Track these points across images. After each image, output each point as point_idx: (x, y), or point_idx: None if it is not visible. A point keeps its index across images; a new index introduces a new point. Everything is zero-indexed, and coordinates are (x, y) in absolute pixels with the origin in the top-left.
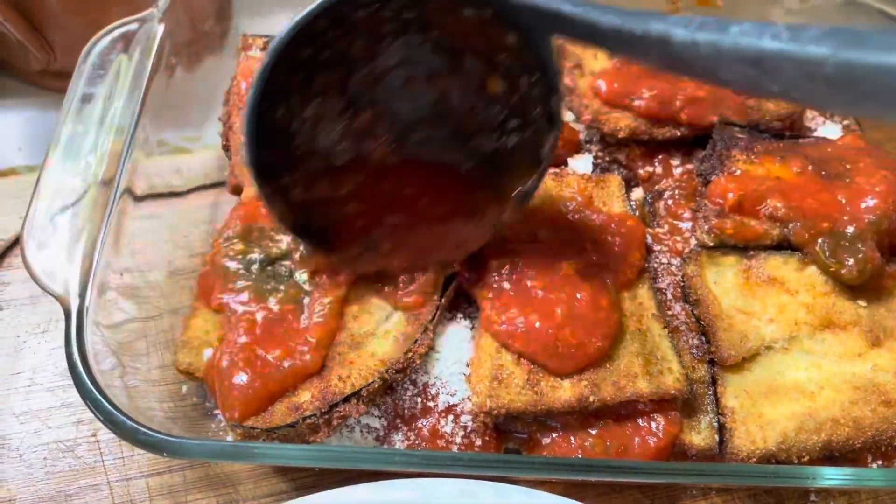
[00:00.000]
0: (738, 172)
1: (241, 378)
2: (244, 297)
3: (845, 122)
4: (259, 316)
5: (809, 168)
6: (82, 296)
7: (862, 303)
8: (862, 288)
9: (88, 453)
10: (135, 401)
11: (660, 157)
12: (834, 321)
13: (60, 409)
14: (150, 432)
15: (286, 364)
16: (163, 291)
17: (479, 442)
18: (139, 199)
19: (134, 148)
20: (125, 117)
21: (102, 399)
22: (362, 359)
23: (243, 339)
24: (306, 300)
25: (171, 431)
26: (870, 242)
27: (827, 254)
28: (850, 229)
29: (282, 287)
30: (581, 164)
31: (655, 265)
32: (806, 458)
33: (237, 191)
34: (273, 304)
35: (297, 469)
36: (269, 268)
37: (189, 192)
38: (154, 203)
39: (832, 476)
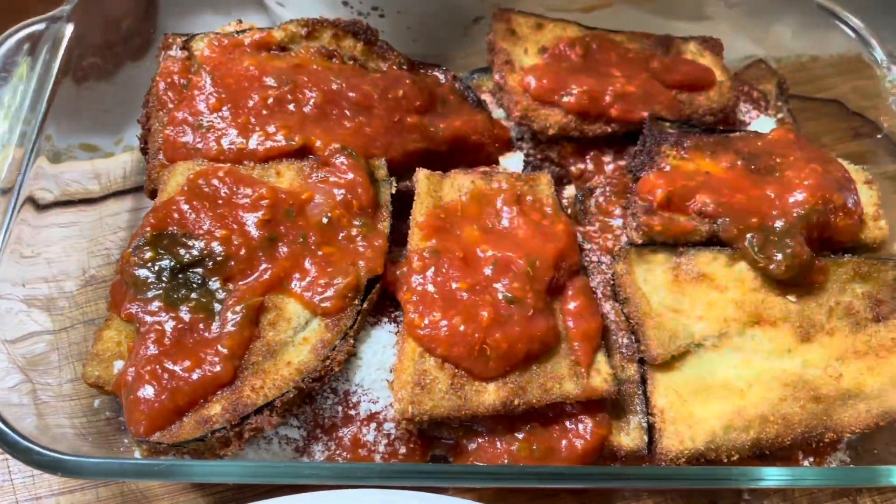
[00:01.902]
0: (668, 168)
1: (147, 391)
2: (153, 306)
3: (779, 116)
4: (168, 326)
5: (739, 163)
6: None
7: (792, 298)
8: (792, 283)
9: None
10: (44, 418)
11: (592, 153)
12: (764, 317)
13: None
14: (45, 451)
15: (195, 376)
16: (76, 301)
17: (403, 449)
18: (45, 206)
19: (37, 155)
20: (28, 123)
21: None
22: (277, 368)
23: (151, 351)
24: (219, 308)
25: (81, 449)
26: (798, 237)
27: (756, 249)
28: (778, 224)
29: (193, 295)
30: (513, 162)
31: (586, 263)
32: (736, 457)
33: (155, 195)
34: (184, 312)
35: (216, 483)
36: (180, 275)
37: (106, 197)
38: (69, 210)
39: (769, 476)
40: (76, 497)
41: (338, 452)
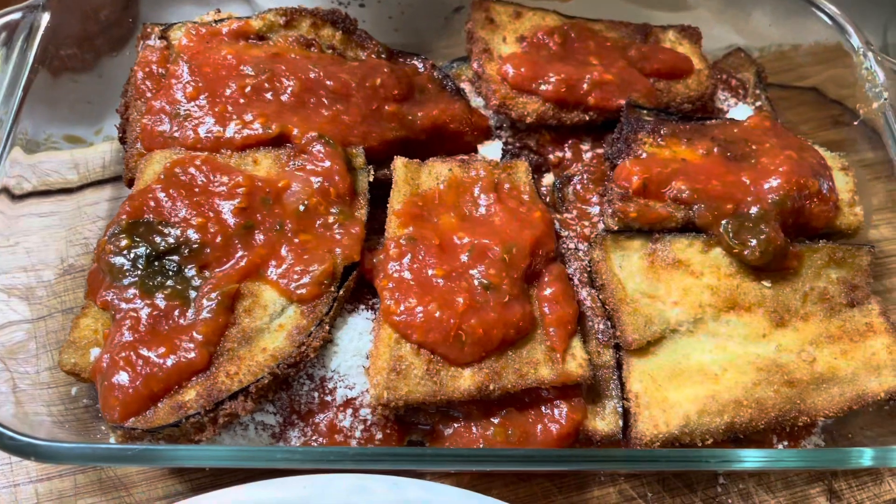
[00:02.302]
0: (644, 155)
1: (122, 378)
2: (129, 293)
3: (757, 104)
4: (144, 313)
5: (715, 150)
6: None
7: (766, 283)
8: (766, 269)
9: None
10: (22, 406)
11: (570, 141)
12: (738, 302)
13: None
14: (16, 436)
15: (169, 362)
16: (54, 290)
17: (380, 435)
18: (22, 196)
19: (12, 145)
20: (2, 113)
21: None
22: (252, 354)
23: (126, 338)
24: (195, 295)
25: (58, 436)
26: (773, 223)
27: (731, 235)
28: (753, 210)
29: (169, 282)
30: (492, 150)
31: (563, 250)
32: (710, 441)
33: (133, 184)
34: (159, 299)
35: (193, 470)
36: (156, 263)
37: (84, 186)
38: (47, 200)
39: (742, 458)
40: (54, 484)
41: (314, 438)
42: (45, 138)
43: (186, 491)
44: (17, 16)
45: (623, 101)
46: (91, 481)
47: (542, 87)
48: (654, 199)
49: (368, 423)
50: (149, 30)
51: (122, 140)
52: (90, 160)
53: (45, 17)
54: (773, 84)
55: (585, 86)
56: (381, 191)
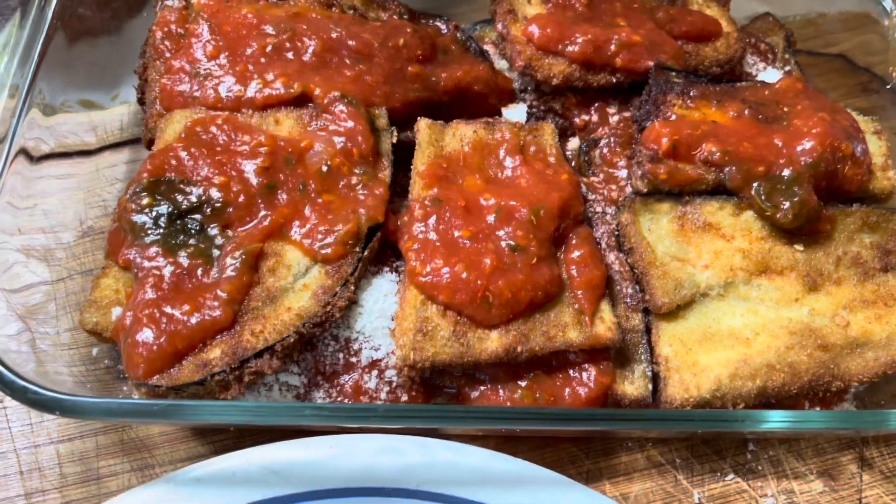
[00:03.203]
0: (674, 117)
1: (146, 335)
2: (151, 251)
3: (787, 69)
4: (167, 271)
5: (746, 112)
6: None
7: (799, 247)
8: (799, 232)
9: None
10: (43, 366)
11: (596, 104)
12: (770, 266)
13: None
14: (41, 391)
15: (194, 319)
16: (74, 252)
17: (405, 397)
18: (40, 158)
19: (30, 106)
20: (20, 73)
21: None
22: (277, 313)
23: (149, 296)
24: (218, 254)
25: (75, 394)
26: (806, 186)
27: (763, 197)
28: (786, 172)
29: (192, 241)
30: (516, 113)
31: (590, 214)
32: (741, 405)
33: (153, 144)
34: (182, 258)
35: (216, 431)
36: (178, 221)
37: (103, 149)
38: (66, 162)
39: (772, 419)
40: (75, 445)
41: (339, 399)
42: (61, 103)
43: (208, 453)
44: None
45: (651, 63)
46: (112, 442)
47: (569, 48)
48: (683, 161)
49: (394, 384)
50: None
51: (141, 101)
52: (108, 122)
53: None
54: (800, 51)
55: (613, 47)
56: (403, 153)
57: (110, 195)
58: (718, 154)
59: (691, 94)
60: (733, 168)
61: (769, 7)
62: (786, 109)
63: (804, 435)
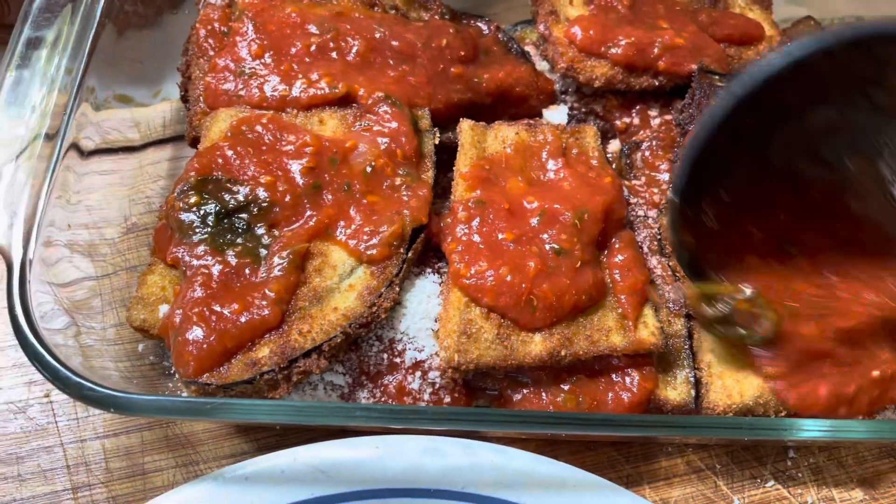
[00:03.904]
0: None
1: (196, 333)
2: (199, 250)
3: None
4: (215, 270)
5: None
6: (25, 248)
7: None
8: None
9: (41, 414)
10: (90, 360)
11: (637, 107)
12: None
13: (12, 370)
14: (97, 387)
15: (243, 318)
16: (118, 248)
17: (447, 399)
18: (89, 153)
19: (81, 101)
20: (71, 68)
21: (45, 353)
22: (324, 313)
23: (198, 294)
24: (265, 253)
25: (126, 391)
26: None
27: None
28: None
29: (239, 240)
30: (557, 115)
31: (632, 218)
32: (783, 413)
33: (196, 143)
34: (230, 257)
35: (259, 429)
36: (225, 220)
37: (147, 146)
38: (109, 157)
39: (811, 428)
40: (121, 440)
41: (383, 399)
42: (105, 99)
43: (252, 450)
44: None
45: (694, 67)
46: (157, 438)
47: (612, 51)
48: None
49: (437, 386)
50: None
51: (184, 99)
52: (151, 119)
53: None
54: None
55: (656, 50)
56: (445, 154)
57: (153, 192)
58: None
59: None
60: None
61: (809, 10)
62: None
63: (845, 443)
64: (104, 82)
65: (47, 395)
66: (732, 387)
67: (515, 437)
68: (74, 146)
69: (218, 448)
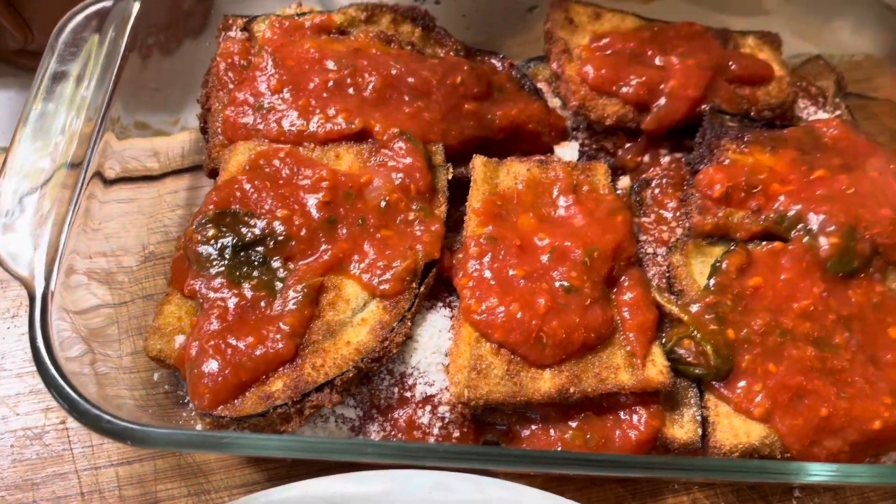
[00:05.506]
0: (727, 162)
1: (211, 366)
2: (216, 283)
3: (837, 113)
4: (231, 302)
5: (801, 158)
6: (48, 279)
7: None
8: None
9: (57, 441)
10: (104, 388)
11: (648, 145)
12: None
13: (29, 396)
14: (114, 420)
15: (258, 352)
16: (136, 276)
17: (456, 433)
18: (111, 182)
19: (105, 130)
20: (96, 98)
21: (66, 385)
22: (337, 347)
23: (214, 326)
24: (280, 286)
25: (141, 420)
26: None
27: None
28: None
29: (255, 273)
30: (568, 151)
31: (641, 255)
32: (790, 454)
33: (214, 174)
34: (246, 290)
35: (270, 459)
36: (242, 253)
37: (165, 175)
38: (128, 186)
39: (817, 472)
40: (134, 468)
41: (393, 433)
42: (126, 128)
43: (263, 480)
44: (108, 3)
45: (705, 106)
46: (170, 466)
47: (623, 90)
48: (736, 207)
49: (446, 420)
50: (230, 21)
51: (204, 130)
52: (170, 149)
53: (136, 6)
54: (850, 94)
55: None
56: (457, 189)
57: (171, 221)
58: (773, 201)
59: (745, 138)
60: (789, 215)
61: (817, 46)
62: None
63: (850, 485)
64: (128, 110)
65: (63, 422)
66: (739, 426)
67: (523, 473)
68: (98, 174)
69: (230, 478)
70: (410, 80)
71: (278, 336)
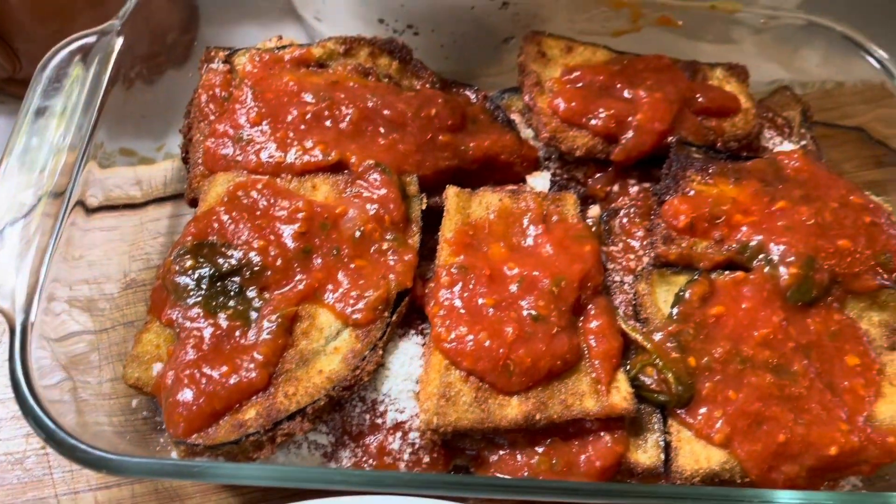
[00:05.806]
0: (692, 193)
1: (186, 395)
2: (193, 312)
3: (802, 143)
4: (207, 332)
5: (763, 189)
6: (27, 311)
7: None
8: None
9: (37, 466)
10: (83, 415)
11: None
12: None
13: (11, 421)
14: (90, 449)
15: (232, 381)
16: (117, 303)
17: (427, 458)
18: (93, 210)
19: (88, 159)
20: (80, 128)
21: (43, 415)
22: (309, 376)
23: (190, 356)
24: (255, 316)
25: (119, 446)
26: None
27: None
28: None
29: (231, 303)
30: (540, 181)
31: (608, 283)
32: (748, 480)
33: (195, 203)
34: (221, 319)
35: (245, 485)
36: (218, 284)
37: (148, 203)
38: (111, 214)
39: (781, 499)
40: (112, 493)
41: (364, 459)
42: (110, 156)
43: None
44: (91, 39)
45: (672, 138)
46: (148, 491)
47: (592, 122)
48: (700, 237)
49: (416, 446)
50: (212, 53)
51: (185, 160)
52: (153, 177)
53: (119, 42)
54: (817, 122)
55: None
56: (432, 218)
57: (153, 248)
58: (735, 231)
59: (710, 170)
60: (751, 245)
61: (787, 74)
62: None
63: None
64: (112, 137)
65: (44, 447)
66: (700, 452)
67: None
68: (80, 203)
69: (205, 501)
70: (386, 112)
71: (252, 365)
